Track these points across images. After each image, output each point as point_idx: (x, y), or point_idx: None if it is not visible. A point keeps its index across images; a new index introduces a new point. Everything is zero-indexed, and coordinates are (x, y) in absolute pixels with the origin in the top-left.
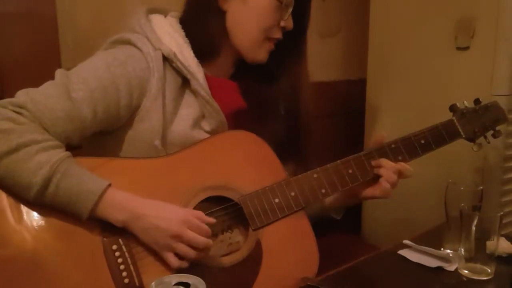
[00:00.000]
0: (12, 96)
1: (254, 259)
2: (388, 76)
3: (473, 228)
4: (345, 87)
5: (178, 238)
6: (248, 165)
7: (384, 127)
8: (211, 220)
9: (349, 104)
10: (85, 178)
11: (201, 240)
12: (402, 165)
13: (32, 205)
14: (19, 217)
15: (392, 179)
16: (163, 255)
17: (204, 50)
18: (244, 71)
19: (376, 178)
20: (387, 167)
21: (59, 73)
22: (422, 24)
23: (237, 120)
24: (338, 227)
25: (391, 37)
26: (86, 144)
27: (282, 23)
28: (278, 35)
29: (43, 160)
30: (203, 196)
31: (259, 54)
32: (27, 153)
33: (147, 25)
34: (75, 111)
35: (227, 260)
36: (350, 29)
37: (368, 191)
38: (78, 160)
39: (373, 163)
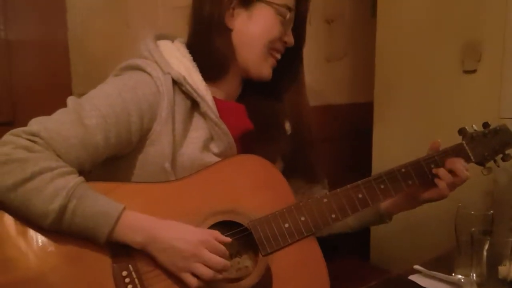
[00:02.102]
0: (24, 121)
1: (264, 286)
2: (395, 99)
3: (485, 253)
4: (352, 110)
5: (196, 258)
6: (257, 189)
7: (392, 149)
8: (227, 239)
9: (356, 127)
10: (101, 202)
11: (219, 260)
12: (456, 167)
13: (42, 230)
14: (28, 242)
15: (449, 178)
16: (180, 276)
17: (213, 71)
18: (249, 92)
19: (429, 183)
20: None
21: (71, 100)
22: (428, 47)
23: (245, 142)
24: (347, 252)
25: (397, 61)
26: (96, 168)
27: (285, 38)
28: (280, 48)
29: (58, 187)
30: (212, 221)
31: (264, 69)
32: (41, 181)
33: (156, 51)
34: (88, 137)
35: (237, 287)
36: (356, 53)
37: (426, 194)
38: (90, 185)
39: (434, 171)
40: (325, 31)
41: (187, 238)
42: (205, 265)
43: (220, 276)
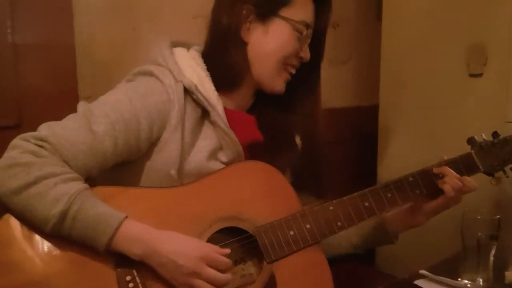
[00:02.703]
0: (31, 125)
1: None
2: (400, 103)
3: (491, 257)
4: (357, 113)
5: (197, 275)
6: (262, 195)
7: (397, 153)
8: (227, 251)
9: (361, 130)
10: (101, 211)
11: (220, 277)
12: (465, 177)
13: (46, 235)
14: (33, 246)
15: (457, 185)
16: None
17: (226, 82)
18: (261, 103)
19: (438, 193)
20: (451, 175)
21: (81, 106)
22: (434, 51)
23: (254, 153)
24: (352, 256)
25: (403, 64)
26: (103, 173)
27: (301, 54)
28: (295, 63)
29: (60, 193)
30: (217, 227)
31: (277, 83)
32: (45, 186)
33: (170, 58)
34: (96, 144)
35: None
36: (361, 56)
37: (433, 203)
38: (93, 189)
39: (435, 170)
40: (330, 34)
41: (187, 253)
42: (206, 281)
43: None
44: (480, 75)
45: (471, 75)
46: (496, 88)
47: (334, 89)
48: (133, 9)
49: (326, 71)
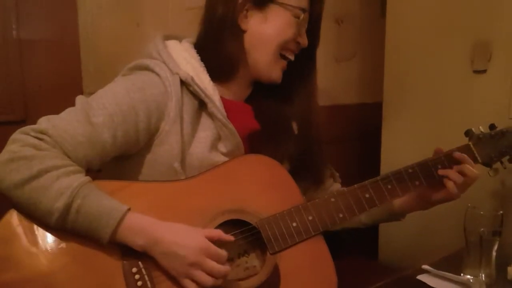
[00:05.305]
0: (35, 120)
1: (272, 284)
2: (404, 100)
3: (494, 253)
4: (361, 110)
5: (197, 266)
6: (265, 188)
7: (400, 150)
8: (230, 238)
9: (364, 127)
10: (105, 203)
11: (220, 268)
12: (464, 166)
13: (50, 228)
14: (37, 241)
15: (458, 179)
16: (181, 282)
17: (222, 72)
18: (258, 94)
19: (437, 184)
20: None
21: (79, 99)
22: (438, 47)
23: (252, 142)
24: (355, 251)
25: (407, 61)
26: (105, 168)
27: (299, 39)
28: (294, 48)
29: (63, 186)
30: (221, 219)
31: (274, 71)
32: (48, 179)
33: (164, 51)
34: (95, 136)
35: (245, 285)
36: (365, 53)
37: (437, 195)
38: (98, 183)
39: (435, 157)
40: (335, 31)
41: (188, 245)
42: (206, 273)
43: (220, 282)
44: (484, 71)
45: (475, 72)
46: (500, 84)
47: (338, 86)
48: (137, 4)
49: (330, 68)
